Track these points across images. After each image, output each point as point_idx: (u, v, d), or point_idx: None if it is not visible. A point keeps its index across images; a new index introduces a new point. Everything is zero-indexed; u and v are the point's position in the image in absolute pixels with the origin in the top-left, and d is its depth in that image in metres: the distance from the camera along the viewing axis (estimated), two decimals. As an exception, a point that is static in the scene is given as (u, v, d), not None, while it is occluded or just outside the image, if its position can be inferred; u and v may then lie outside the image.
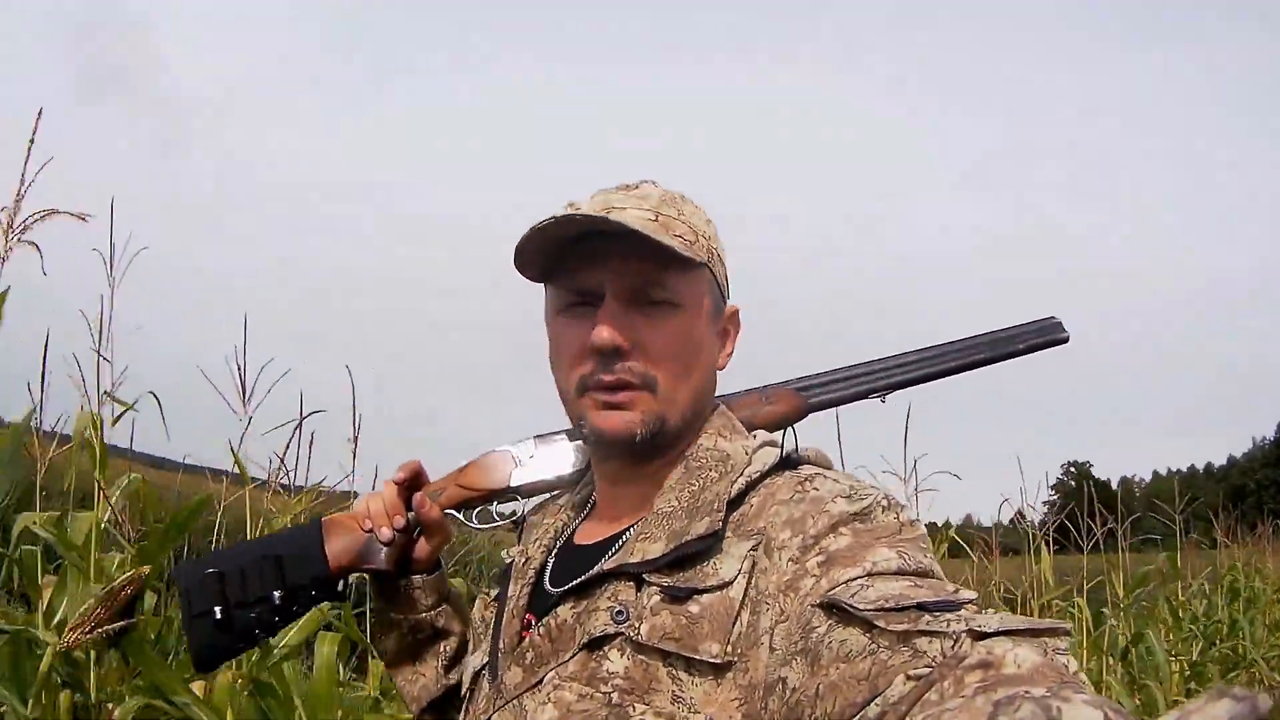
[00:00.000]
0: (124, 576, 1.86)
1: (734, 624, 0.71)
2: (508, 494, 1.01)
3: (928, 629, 0.55)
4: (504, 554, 0.97)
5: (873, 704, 0.53)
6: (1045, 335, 0.99)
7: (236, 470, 2.52)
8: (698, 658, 0.71)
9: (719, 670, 0.70)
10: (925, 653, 0.54)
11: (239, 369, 2.45)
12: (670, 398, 0.82)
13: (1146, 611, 5.71)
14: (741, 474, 0.80)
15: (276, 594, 0.97)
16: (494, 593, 0.94)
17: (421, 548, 1.02)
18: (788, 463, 0.82)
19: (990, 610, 0.58)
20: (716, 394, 0.92)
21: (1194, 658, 5.62)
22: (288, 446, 2.66)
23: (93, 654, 2.05)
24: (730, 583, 0.73)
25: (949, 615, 0.56)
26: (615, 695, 0.72)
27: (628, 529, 0.84)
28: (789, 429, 0.96)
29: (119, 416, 2.32)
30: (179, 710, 2.10)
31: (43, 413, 2.44)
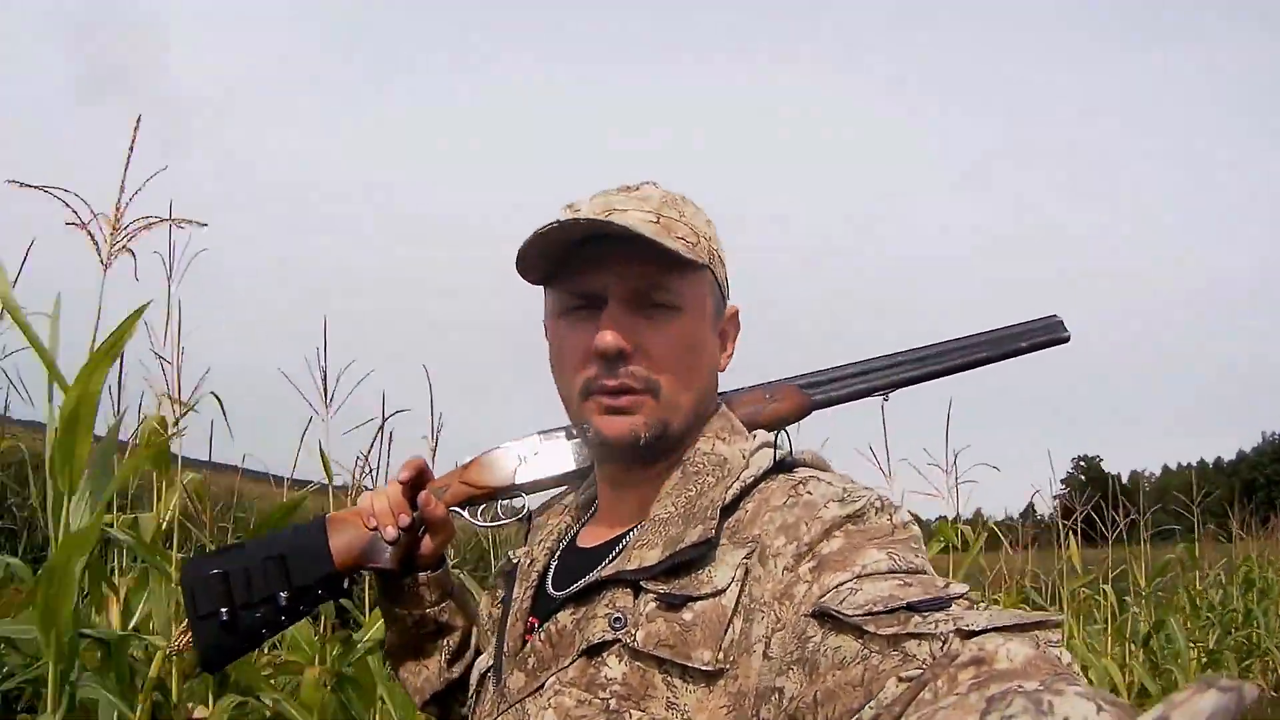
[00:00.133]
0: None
1: (726, 631, 0.70)
2: (512, 491, 0.99)
3: (916, 631, 0.54)
4: (510, 554, 0.96)
5: (868, 707, 0.53)
6: (1047, 334, 0.98)
7: (289, 474, 2.57)
8: (691, 665, 0.69)
9: (711, 677, 0.69)
10: (915, 656, 0.53)
11: (321, 371, 2.52)
12: (673, 402, 0.81)
13: (1165, 600, 5.84)
14: (736, 479, 0.78)
15: (283, 595, 0.95)
16: (501, 593, 0.93)
17: (426, 545, 1.00)
18: (782, 466, 0.80)
19: (981, 605, 0.58)
20: (720, 390, 0.90)
21: (1211, 645, 5.76)
22: (371, 447, 2.71)
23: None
24: (723, 590, 0.71)
25: (938, 615, 0.55)
26: (613, 701, 0.71)
27: (628, 532, 0.82)
28: (785, 429, 0.94)
29: (179, 418, 2.32)
30: (267, 707, 2.13)
31: (121, 421, 2.54)
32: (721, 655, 0.69)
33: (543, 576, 0.87)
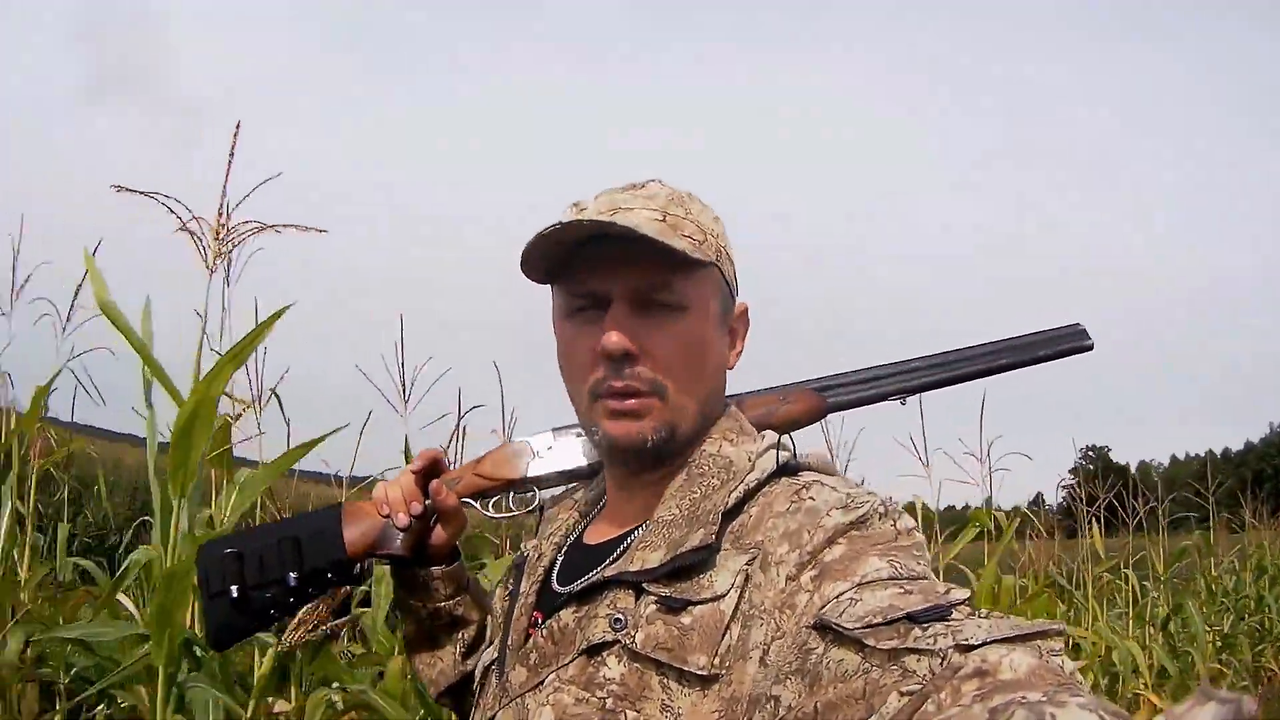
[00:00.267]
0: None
1: (723, 637, 0.68)
2: (524, 485, 0.99)
3: (915, 647, 0.53)
4: (523, 546, 0.95)
5: None
6: (1069, 342, 0.96)
7: (346, 473, 2.57)
8: (687, 669, 0.67)
9: (705, 682, 0.67)
10: (915, 671, 0.52)
11: (399, 368, 2.56)
12: (680, 404, 0.79)
13: (1183, 586, 5.94)
14: (740, 482, 0.75)
15: (293, 576, 0.96)
16: (510, 586, 0.91)
17: (438, 535, 0.99)
18: (786, 469, 0.77)
19: (981, 613, 0.56)
20: (733, 392, 0.87)
21: (1225, 630, 5.91)
22: (450, 442, 2.74)
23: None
24: (722, 596, 0.69)
25: (937, 627, 0.54)
26: (610, 701, 0.70)
27: (632, 531, 0.81)
28: (794, 431, 0.91)
29: (239, 415, 2.34)
30: (355, 697, 2.10)
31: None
32: (717, 661, 0.67)
33: (549, 571, 0.86)
